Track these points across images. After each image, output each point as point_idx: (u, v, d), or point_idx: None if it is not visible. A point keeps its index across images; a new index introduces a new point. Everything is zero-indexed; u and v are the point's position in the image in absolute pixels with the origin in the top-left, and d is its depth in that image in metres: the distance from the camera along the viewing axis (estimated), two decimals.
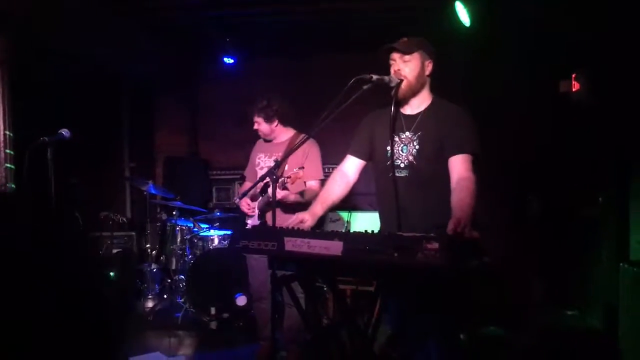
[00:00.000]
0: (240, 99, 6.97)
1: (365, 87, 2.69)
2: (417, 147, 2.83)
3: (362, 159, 3.07)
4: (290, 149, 3.38)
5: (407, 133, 2.87)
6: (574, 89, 4.72)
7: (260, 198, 3.96)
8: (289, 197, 3.85)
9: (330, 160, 4.17)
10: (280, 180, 3.60)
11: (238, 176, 6.63)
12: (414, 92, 2.87)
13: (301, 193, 3.95)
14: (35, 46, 4.68)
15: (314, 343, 2.85)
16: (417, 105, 2.91)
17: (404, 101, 2.90)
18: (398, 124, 2.91)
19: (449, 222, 2.35)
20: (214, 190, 7.00)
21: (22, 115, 4.27)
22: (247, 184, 4.32)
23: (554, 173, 5.10)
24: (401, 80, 2.82)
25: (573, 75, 4.71)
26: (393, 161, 2.86)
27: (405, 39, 2.87)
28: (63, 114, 4.90)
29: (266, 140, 4.27)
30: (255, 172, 4.20)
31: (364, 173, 3.12)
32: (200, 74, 7.22)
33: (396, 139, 2.89)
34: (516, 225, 5.45)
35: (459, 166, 2.73)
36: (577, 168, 4.84)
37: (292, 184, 3.55)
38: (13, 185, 3.79)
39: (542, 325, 4.84)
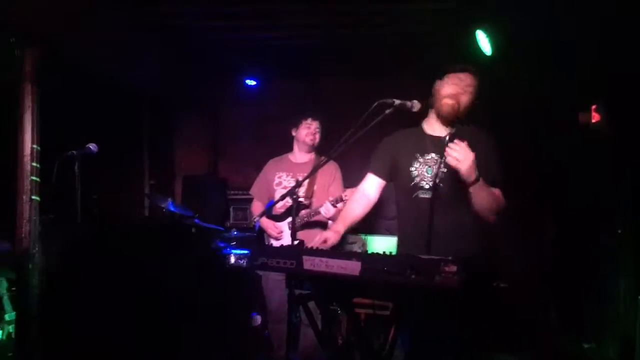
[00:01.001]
0: (260, 120, 7.10)
1: (387, 111, 2.73)
2: (443, 169, 2.83)
3: (383, 178, 3.09)
4: (314, 169, 3.42)
5: (432, 155, 2.90)
6: (593, 120, 4.73)
7: (290, 218, 3.98)
8: (334, 215, 3.89)
9: (346, 184, 4.21)
10: (335, 197, 3.68)
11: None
12: (456, 117, 2.90)
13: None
14: (60, 63, 4.79)
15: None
16: (443, 129, 2.94)
17: (449, 121, 2.93)
18: (422, 144, 2.94)
19: None
20: (231, 209, 7.05)
21: (47, 129, 4.37)
22: (258, 204, 4.34)
23: (572, 202, 5.08)
24: (454, 103, 2.85)
25: (593, 107, 4.73)
26: (417, 183, 2.89)
27: (461, 65, 2.93)
28: (86, 129, 5.00)
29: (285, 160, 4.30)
30: (271, 191, 4.23)
31: (382, 198, 3.14)
32: (222, 94, 7.34)
33: (420, 160, 2.92)
34: (532, 253, 5.42)
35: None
36: (596, 198, 4.82)
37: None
38: (38, 198, 3.87)
39: (558, 356, 4.79)
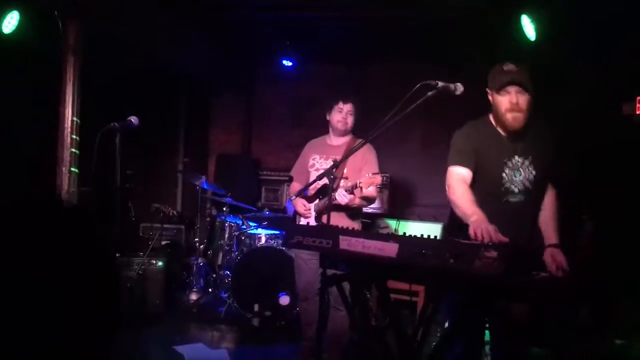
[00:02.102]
0: (294, 102, 7.09)
1: (429, 93, 2.69)
2: (533, 172, 2.86)
3: (471, 169, 2.89)
4: (350, 151, 3.39)
5: (517, 157, 2.88)
6: (638, 112, 4.61)
7: (318, 200, 3.96)
8: (354, 202, 3.86)
9: (384, 168, 4.17)
10: (350, 185, 3.63)
11: (287, 178, 6.70)
12: (526, 123, 2.83)
13: (367, 199, 3.95)
14: (103, 37, 4.84)
15: (361, 344, 2.85)
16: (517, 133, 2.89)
17: (515, 133, 2.86)
18: (504, 148, 2.89)
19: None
20: (262, 190, 7.08)
21: (87, 103, 4.42)
22: (296, 184, 4.33)
23: (612, 196, 4.97)
24: (520, 114, 2.79)
25: (638, 98, 4.60)
26: (507, 187, 2.88)
27: (514, 67, 2.80)
28: (124, 105, 5.05)
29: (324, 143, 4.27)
30: (307, 173, 4.22)
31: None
32: (257, 75, 7.36)
33: (509, 164, 2.88)
34: (567, 246, 5.33)
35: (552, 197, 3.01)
36: (636, 193, 4.70)
37: (367, 188, 3.57)
38: (77, 170, 3.93)
39: (588, 351, 4.71)
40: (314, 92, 6.50)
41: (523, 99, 2.78)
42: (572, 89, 5.11)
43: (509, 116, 2.80)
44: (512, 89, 2.77)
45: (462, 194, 2.79)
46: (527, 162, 2.86)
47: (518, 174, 2.86)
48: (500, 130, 2.91)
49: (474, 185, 2.88)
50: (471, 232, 2.46)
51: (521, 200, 2.87)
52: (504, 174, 2.87)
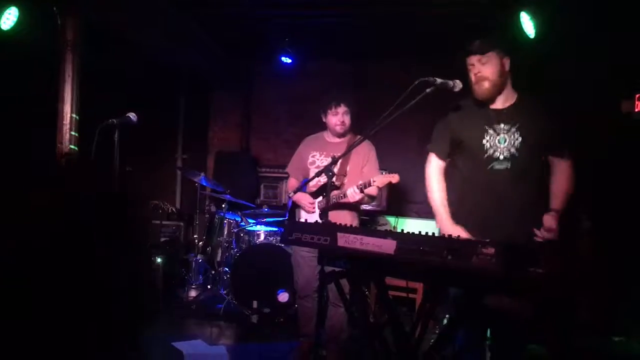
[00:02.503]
0: (294, 99, 7.09)
1: (428, 90, 2.69)
2: (518, 138, 2.85)
3: (443, 159, 3.13)
4: (349, 147, 3.39)
5: (502, 125, 2.89)
6: (636, 109, 4.61)
7: (322, 197, 3.95)
8: (362, 199, 3.87)
9: (382, 164, 4.16)
10: (361, 182, 3.65)
11: (286, 175, 6.70)
12: (499, 90, 2.90)
13: (371, 197, 3.94)
14: (101, 33, 4.83)
15: (360, 340, 2.86)
16: (503, 100, 2.94)
17: (490, 101, 2.93)
18: (487, 117, 2.93)
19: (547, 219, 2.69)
20: (261, 187, 7.08)
21: (86, 99, 4.41)
22: (293, 181, 4.32)
23: (610, 193, 4.97)
24: (485, 80, 2.86)
25: (637, 96, 4.60)
26: (491, 154, 2.88)
27: (478, 41, 2.91)
28: (123, 101, 5.05)
29: (324, 139, 4.27)
30: (306, 169, 4.21)
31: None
32: (256, 72, 7.36)
33: (490, 131, 2.90)
34: (564, 243, 5.33)
35: (562, 170, 2.97)
36: (634, 190, 4.71)
37: (382, 186, 3.59)
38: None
39: (586, 348, 4.71)
40: (313, 89, 6.50)
41: (488, 67, 2.87)
42: (570, 86, 5.10)
43: (475, 87, 2.92)
44: (474, 59, 2.89)
45: (434, 192, 3.10)
46: (513, 129, 2.86)
47: (502, 140, 2.87)
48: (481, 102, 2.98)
49: (461, 158, 3.03)
50: None
51: (507, 167, 2.86)
52: (484, 141, 2.90)
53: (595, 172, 5.08)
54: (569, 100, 5.08)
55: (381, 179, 3.54)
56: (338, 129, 4.06)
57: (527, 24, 4.48)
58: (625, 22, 4.49)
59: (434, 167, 3.14)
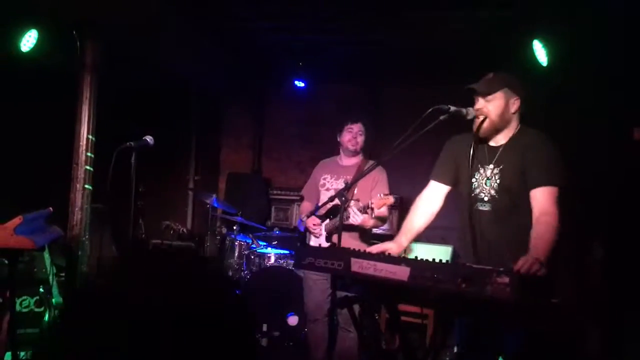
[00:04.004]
0: (305, 122, 7.14)
1: (442, 117, 2.71)
2: (497, 180, 2.79)
3: (447, 184, 3.00)
4: (362, 173, 3.41)
5: (491, 166, 2.84)
6: None
7: (329, 220, 3.97)
8: (368, 222, 3.87)
9: (395, 190, 4.17)
10: (361, 205, 3.64)
11: (297, 197, 6.72)
12: (497, 130, 2.83)
13: (381, 219, 3.95)
14: (119, 55, 4.92)
15: None
16: (501, 138, 2.87)
17: (487, 138, 2.87)
18: (482, 155, 2.88)
19: (519, 259, 2.30)
20: (272, 209, 7.09)
21: (101, 120, 4.48)
22: (307, 204, 4.35)
23: (624, 222, 4.94)
24: (484, 118, 2.80)
25: None
26: (477, 194, 2.84)
27: (490, 75, 2.85)
28: (136, 122, 5.12)
29: (336, 162, 4.29)
30: (318, 192, 4.24)
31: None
32: (269, 94, 7.42)
33: (481, 171, 2.86)
34: (577, 271, 5.29)
35: (541, 200, 2.64)
36: None
37: (379, 209, 3.57)
38: (90, 187, 3.97)
39: None
40: (325, 112, 6.56)
41: (491, 105, 2.78)
42: (583, 114, 5.12)
43: (475, 121, 2.82)
44: (478, 97, 2.82)
45: (409, 217, 3.00)
46: (496, 170, 2.81)
47: (488, 182, 2.82)
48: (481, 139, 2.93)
49: (456, 194, 2.97)
50: None
51: (489, 209, 2.80)
52: (473, 180, 2.86)
53: (608, 200, 5.07)
54: (580, 128, 5.11)
55: (378, 201, 3.53)
56: (350, 145, 4.11)
57: (540, 52, 4.51)
58: (637, 49, 4.50)
59: (426, 192, 3.04)
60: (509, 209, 2.77)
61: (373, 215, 3.77)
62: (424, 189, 3.07)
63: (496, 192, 2.79)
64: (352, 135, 4.11)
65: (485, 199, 2.82)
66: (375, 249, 2.76)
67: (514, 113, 2.83)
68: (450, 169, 3.00)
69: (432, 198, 3.01)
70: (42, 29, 4.70)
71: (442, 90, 3.81)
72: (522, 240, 2.57)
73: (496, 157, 2.84)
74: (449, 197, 3.07)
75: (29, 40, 4.68)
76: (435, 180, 3.03)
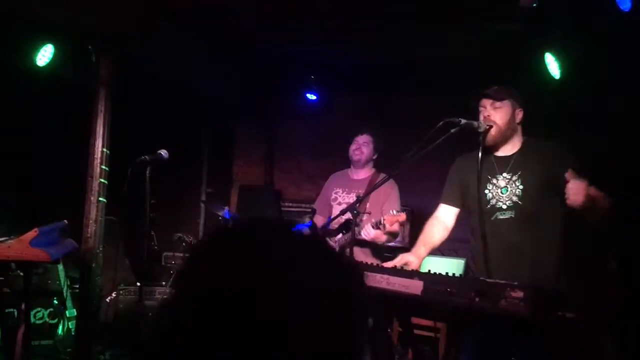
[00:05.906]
0: (317, 135, 7.15)
1: (453, 130, 2.73)
2: (520, 186, 2.81)
3: (456, 206, 3.07)
4: (373, 186, 3.42)
5: (505, 174, 2.87)
6: None
7: (341, 235, 3.97)
8: (381, 238, 3.86)
9: (405, 201, 4.17)
10: (374, 221, 3.64)
11: (309, 210, 6.71)
12: (504, 138, 2.88)
13: (393, 234, 3.95)
14: (133, 70, 4.97)
15: None
16: (509, 148, 2.92)
17: (494, 147, 2.91)
18: (490, 167, 2.90)
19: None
20: None
21: (115, 133, 4.53)
22: (319, 217, 4.36)
23: (637, 235, 4.89)
24: (490, 127, 2.83)
25: None
26: (494, 205, 2.85)
27: (496, 87, 2.91)
28: (149, 136, 5.16)
29: (347, 175, 4.30)
30: (329, 206, 4.24)
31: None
32: (281, 107, 7.43)
33: (493, 181, 2.88)
34: (592, 285, 5.24)
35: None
36: None
37: (391, 225, 3.58)
38: (104, 200, 4.00)
39: None
40: (336, 125, 6.56)
41: (499, 113, 2.84)
42: (597, 128, 5.09)
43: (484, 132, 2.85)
44: (487, 102, 2.87)
45: (425, 230, 3.07)
46: (515, 177, 2.83)
47: (505, 190, 2.84)
48: (493, 150, 2.95)
49: (469, 210, 3.00)
50: None
51: (511, 216, 2.81)
52: (486, 191, 2.88)
53: (623, 215, 5.02)
54: (594, 141, 5.08)
55: (390, 218, 3.54)
56: (354, 155, 4.15)
57: (552, 65, 4.50)
58: None
59: (438, 213, 3.12)
60: (534, 212, 2.80)
61: (385, 232, 3.77)
62: (435, 210, 3.13)
63: (519, 198, 2.80)
64: (357, 145, 4.15)
65: (504, 207, 2.83)
66: (395, 262, 2.77)
67: (518, 123, 2.90)
68: (458, 191, 3.06)
69: (444, 218, 3.09)
70: (58, 43, 4.77)
71: (454, 102, 3.82)
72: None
73: (510, 165, 2.87)
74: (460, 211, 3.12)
75: (44, 55, 4.76)
76: (444, 203, 3.10)
